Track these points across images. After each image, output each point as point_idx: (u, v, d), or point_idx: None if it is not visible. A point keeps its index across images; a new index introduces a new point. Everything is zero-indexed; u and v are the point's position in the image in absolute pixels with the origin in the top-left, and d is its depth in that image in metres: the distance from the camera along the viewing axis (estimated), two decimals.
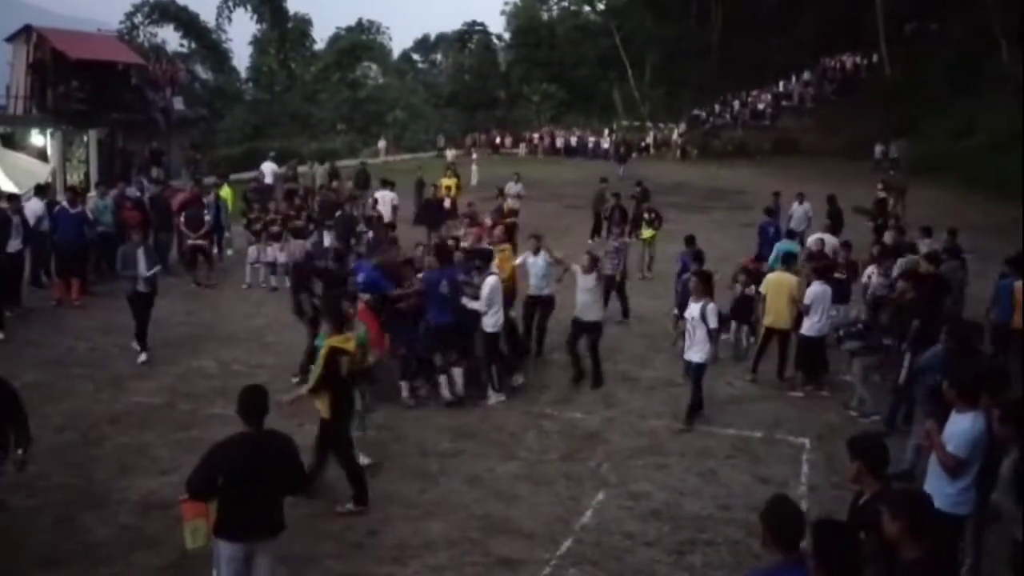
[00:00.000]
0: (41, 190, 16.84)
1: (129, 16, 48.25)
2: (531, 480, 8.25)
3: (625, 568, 6.72)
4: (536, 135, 51.24)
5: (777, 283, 11.13)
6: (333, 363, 7.16)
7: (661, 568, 6.72)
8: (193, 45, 50.56)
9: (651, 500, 7.84)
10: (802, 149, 41.27)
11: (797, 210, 17.72)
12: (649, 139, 49.20)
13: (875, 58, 46.92)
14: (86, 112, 27.13)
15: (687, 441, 9.27)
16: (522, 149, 49.14)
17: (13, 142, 26.04)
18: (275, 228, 15.94)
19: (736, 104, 49.71)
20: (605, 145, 45.70)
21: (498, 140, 50.53)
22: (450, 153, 38.65)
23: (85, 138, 28.16)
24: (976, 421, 5.83)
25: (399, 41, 66.22)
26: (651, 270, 17.35)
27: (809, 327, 10.75)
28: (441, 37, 71.19)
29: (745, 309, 12.29)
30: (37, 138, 27.01)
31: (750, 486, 8.17)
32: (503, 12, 67.69)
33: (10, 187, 22.17)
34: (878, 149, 37.38)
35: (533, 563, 6.74)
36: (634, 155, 44.96)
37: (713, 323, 9.42)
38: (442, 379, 10.16)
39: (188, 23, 49.22)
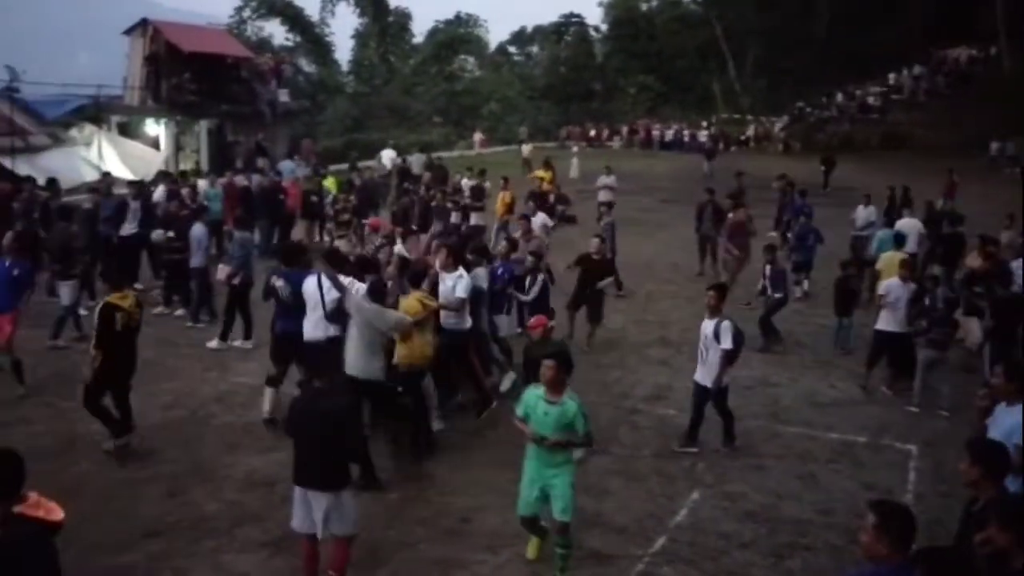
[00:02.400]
0: (164, 177, 17.59)
1: (238, 10, 49.95)
2: (624, 475, 8.17)
3: (720, 569, 6.58)
4: (632, 128, 50.67)
5: (891, 261, 11.54)
6: (108, 319, 7.82)
7: (758, 571, 6.56)
8: (298, 39, 51.94)
9: (748, 501, 7.66)
10: (912, 144, 39.52)
11: (861, 212, 17.15)
12: (749, 132, 48.01)
13: (992, 51, 44.55)
14: (197, 103, 28.23)
15: (786, 443, 9.02)
16: (617, 142, 48.66)
17: (129, 131, 27.36)
18: (345, 217, 16.32)
19: (840, 97, 48.02)
20: (702, 138, 44.83)
21: (592, 133, 50.17)
22: (525, 148, 35.68)
23: (196, 128, 29.35)
24: None
25: (496, 34, 66.24)
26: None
27: (886, 321, 10.44)
28: (538, 29, 70.96)
29: (848, 301, 12.30)
30: (151, 127, 28.29)
31: (853, 492, 7.89)
32: (600, 4, 66.95)
33: (126, 174, 23.32)
34: (994, 146, 35.50)
35: (625, 558, 6.67)
36: (732, 148, 44.01)
37: (727, 343, 8.41)
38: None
39: (293, 17, 50.62)
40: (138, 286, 14.11)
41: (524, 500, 6.33)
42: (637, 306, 14.68)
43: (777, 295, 12.47)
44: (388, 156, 27.22)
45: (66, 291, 11.54)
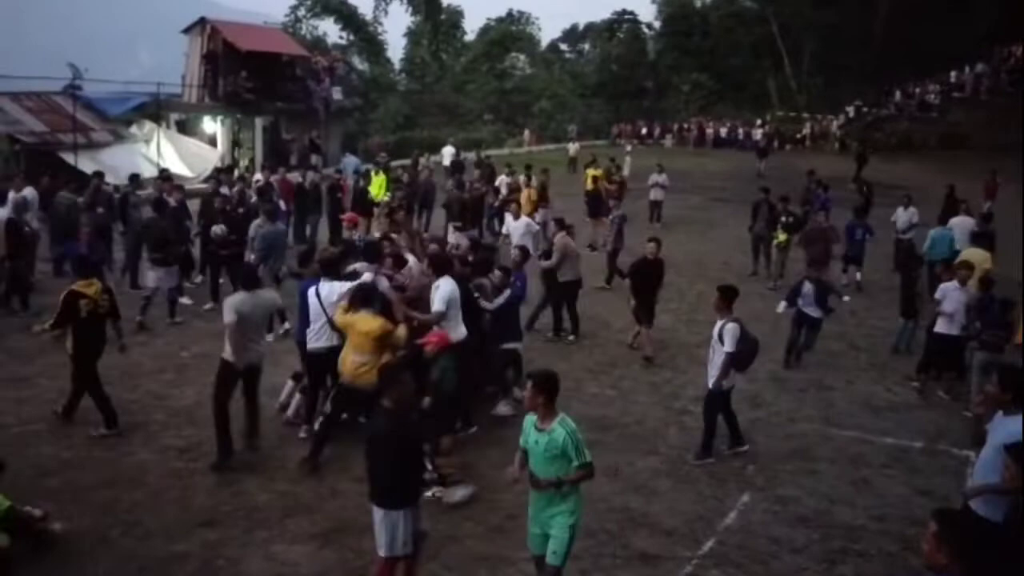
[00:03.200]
0: (226, 171, 17.99)
1: (293, 9, 50.63)
2: (672, 477, 8.11)
3: (770, 573, 6.49)
4: (684, 125, 50.16)
5: (970, 257, 11.24)
6: (70, 305, 8.22)
7: None
8: (351, 37, 52.47)
9: (799, 506, 7.54)
10: (972, 144, 38.44)
11: (902, 215, 16.75)
12: (805, 131, 47.18)
13: None
14: (253, 101, 28.71)
15: (839, 447, 8.86)
16: (669, 140, 48.23)
17: (187, 128, 27.97)
18: (400, 215, 16.41)
19: (899, 95, 46.88)
20: (756, 136, 44.18)
21: (644, 131, 49.79)
22: (572, 146, 35.54)
23: (251, 126, 29.87)
24: None
25: (548, 31, 66.25)
26: (782, 278, 15.72)
27: (942, 324, 10.23)
28: (590, 27, 70.72)
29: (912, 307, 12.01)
30: (208, 125, 28.86)
31: (908, 498, 7.72)
32: (654, 1, 66.52)
33: (183, 170, 23.82)
34: None
35: (673, 560, 6.62)
36: (787, 147, 43.29)
37: (729, 346, 8.16)
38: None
39: (347, 16, 51.14)
40: (197, 280, 14.45)
41: (530, 537, 5.74)
42: (688, 306, 14.55)
43: (813, 315, 11.51)
44: (449, 153, 28.04)
45: (161, 275, 12.20)
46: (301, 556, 6.56)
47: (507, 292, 9.56)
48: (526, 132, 44.82)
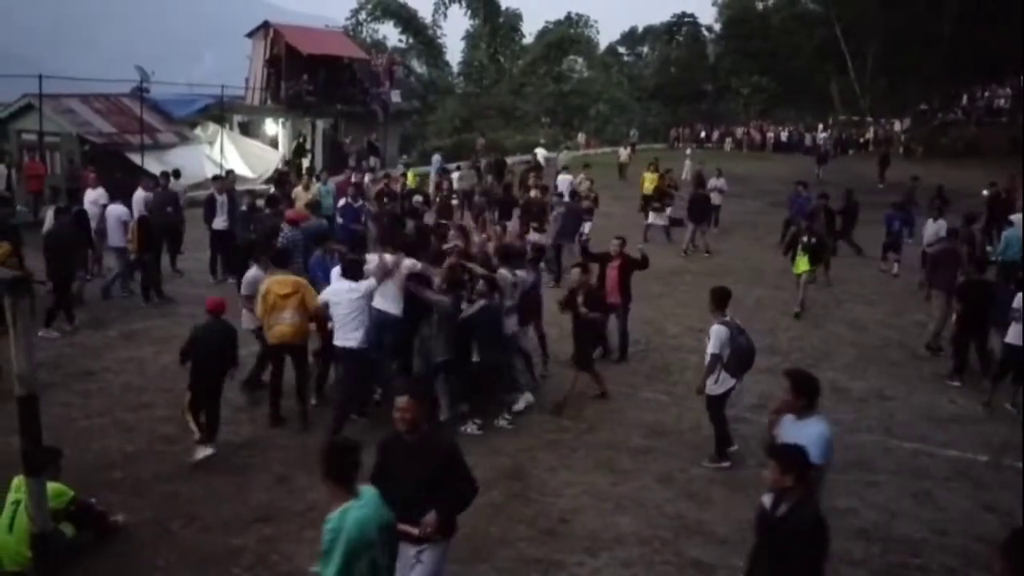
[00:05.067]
0: (282, 176, 18.39)
1: (354, 13, 51.37)
2: (726, 484, 8.00)
3: None
4: (744, 129, 49.58)
5: None
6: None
7: None
8: (411, 40, 53.00)
9: (858, 518, 7.37)
10: None
11: (930, 227, 15.61)
12: (869, 134, 46.24)
13: None
14: (314, 103, 29.20)
15: (900, 459, 8.63)
16: (728, 144, 47.70)
17: (249, 130, 28.56)
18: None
19: (966, 98, 45.67)
20: (820, 140, 43.41)
21: (703, 134, 49.34)
22: (623, 152, 34.19)
23: (314, 128, 30.37)
24: None
25: (606, 34, 65.88)
26: (803, 309, 14.13)
27: (1015, 335, 9.78)
28: (649, 29, 70.31)
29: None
30: (270, 127, 29.43)
31: (971, 513, 7.49)
32: (715, 3, 65.83)
33: (246, 172, 24.32)
34: None
35: (727, 568, 6.52)
36: (850, 152, 42.46)
37: (713, 347, 7.93)
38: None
39: (407, 19, 51.68)
40: (231, 280, 14.69)
41: None
42: (745, 312, 14.28)
43: None
44: (541, 154, 29.91)
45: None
46: None
47: (481, 303, 9.11)
48: (580, 135, 44.68)
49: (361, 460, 4.37)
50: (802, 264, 14.22)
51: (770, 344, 12.53)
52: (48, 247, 11.82)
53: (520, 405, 9.53)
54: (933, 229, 15.61)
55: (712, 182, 22.16)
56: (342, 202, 15.82)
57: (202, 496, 7.40)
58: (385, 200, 16.86)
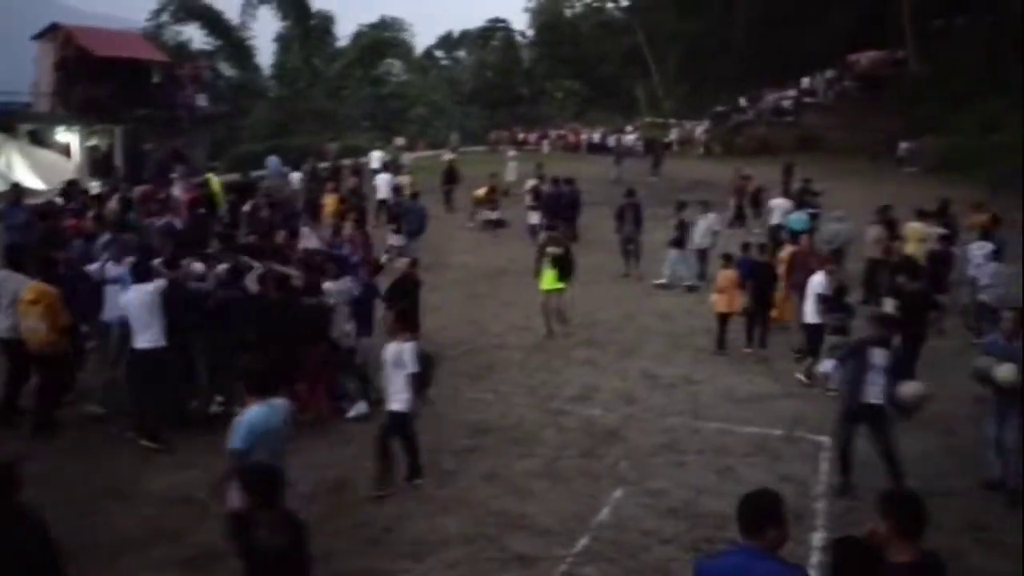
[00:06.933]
0: (71, 186, 17.16)
1: (155, 14, 48.59)
2: (548, 477, 8.24)
3: (642, 565, 6.68)
4: (560, 132, 51.08)
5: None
6: None
7: (677, 565, 6.67)
8: (218, 42, 50.81)
9: (669, 498, 7.80)
10: (826, 147, 40.84)
11: (701, 223, 16.53)
12: (672, 136, 48.88)
13: (901, 54, 46.32)
14: (111, 109, 27.40)
15: (706, 439, 9.22)
16: (546, 146, 48.89)
17: (39, 139, 26.40)
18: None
19: (760, 101, 49.26)
20: (629, 142, 45.26)
21: (521, 137, 50.39)
22: (447, 156, 33.05)
23: (111, 135, 28.48)
24: None
25: (422, 38, 65.77)
26: (552, 333, 12.86)
27: (811, 314, 10.98)
28: (464, 34, 70.99)
29: None
30: (63, 135, 27.34)
31: (770, 484, 8.02)
32: (526, 9, 67.50)
33: (37, 184, 22.44)
34: (903, 147, 36.95)
35: (549, 560, 6.72)
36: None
37: (412, 365, 7.73)
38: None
39: (213, 20, 49.42)
40: None
41: None
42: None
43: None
44: (377, 157, 28.99)
45: None
46: None
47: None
48: (399, 139, 44.26)
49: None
50: (548, 279, 12.66)
51: (588, 338, 13.03)
52: None
53: (352, 413, 9.49)
54: (704, 225, 16.60)
55: (530, 183, 22.77)
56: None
57: None
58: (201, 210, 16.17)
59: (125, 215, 14.77)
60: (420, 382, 7.80)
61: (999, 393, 7.77)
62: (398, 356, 7.67)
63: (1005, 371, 7.50)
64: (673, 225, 16.52)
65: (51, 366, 8.87)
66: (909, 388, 7.60)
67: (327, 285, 9.78)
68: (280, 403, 5.72)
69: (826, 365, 9.35)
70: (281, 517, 4.57)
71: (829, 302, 10.65)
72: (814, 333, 10.90)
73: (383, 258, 13.26)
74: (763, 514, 3.89)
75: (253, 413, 5.50)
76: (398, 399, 7.71)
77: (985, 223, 14.60)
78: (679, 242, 16.31)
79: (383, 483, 7.75)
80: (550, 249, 12.78)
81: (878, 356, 7.71)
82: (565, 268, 12.68)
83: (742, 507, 3.94)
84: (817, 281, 10.94)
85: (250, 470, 4.79)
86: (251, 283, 9.84)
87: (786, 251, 13.24)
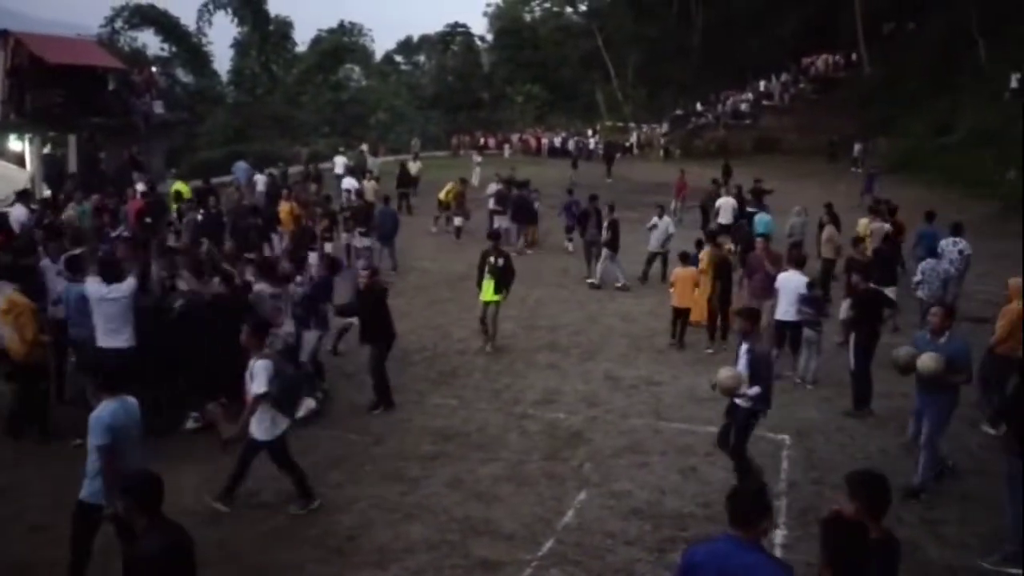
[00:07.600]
0: (24, 195, 16.79)
1: (110, 20, 47.81)
2: (513, 481, 8.25)
3: (606, 567, 6.73)
4: (520, 136, 51.22)
5: None
6: None
7: (642, 566, 6.74)
8: (174, 49, 50.15)
9: (632, 499, 7.86)
10: (782, 148, 41.55)
11: (659, 225, 16.96)
12: (632, 139, 49.27)
13: (854, 57, 47.24)
14: (65, 117, 26.90)
15: (668, 439, 9.30)
16: (507, 150, 48.99)
17: None
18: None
19: (718, 104, 49.88)
20: (592, 145, 45.59)
21: (483, 141, 50.45)
22: (413, 166, 30.02)
23: (66, 143, 27.97)
24: None
25: (381, 43, 65.60)
26: (493, 341, 12.52)
27: (782, 312, 11.25)
28: (424, 39, 70.97)
29: None
30: (15, 144, 26.78)
31: (731, 483, 8.17)
32: (485, 14, 67.76)
33: None
34: (857, 147, 37.70)
35: (514, 564, 6.74)
36: (618, 156, 44.99)
37: (258, 386, 7.08)
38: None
39: (169, 27, 48.73)
40: None
41: None
42: (527, 312, 14.84)
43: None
44: (341, 162, 29.03)
45: None
46: None
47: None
48: (363, 144, 44.07)
49: None
50: (488, 291, 12.34)
51: (552, 341, 13.09)
52: None
53: (301, 412, 9.35)
54: (662, 227, 16.86)
55: (492, 187, 22.76)
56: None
57: None
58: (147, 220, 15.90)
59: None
60: (277, 405, 7.22)
61: (920, 384, 7.91)
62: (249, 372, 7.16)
63: (925, 360, 7.61)
64: (604, 227, 16.74)
65: (26, 377, 8.88)
66: (722, 373, 7.99)
67: (257, 288, 9.81)
68: (132, 401, 5.86)
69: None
70: (159, 525, 4.42)
71: (818, 303, 11.00)
72: (794, 330, 11.09)
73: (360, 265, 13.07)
74: (758, 507, 4.09)
75: (108, 409, 5.66)
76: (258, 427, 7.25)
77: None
78: (611, 243, 16.60)
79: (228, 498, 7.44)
80: (491, 259, 12.39)
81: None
82: (504, 279, 12.38)
83: (737, 500, 4.13)
84: (797, 281, 11.07)
85: (130, 476, 4.74)
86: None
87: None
